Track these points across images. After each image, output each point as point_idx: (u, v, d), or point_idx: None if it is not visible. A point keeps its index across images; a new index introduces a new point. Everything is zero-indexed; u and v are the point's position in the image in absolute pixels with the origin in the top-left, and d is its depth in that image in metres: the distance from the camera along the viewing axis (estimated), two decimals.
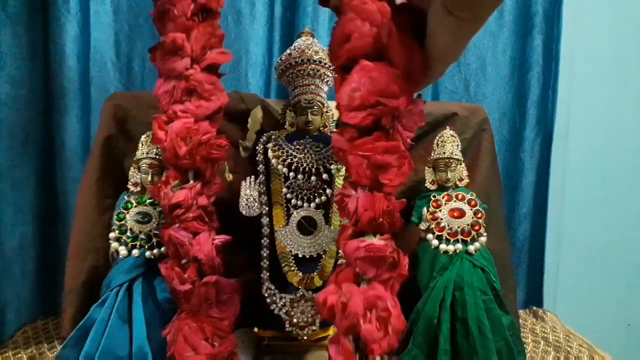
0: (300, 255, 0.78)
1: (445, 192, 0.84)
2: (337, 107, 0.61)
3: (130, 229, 0.76)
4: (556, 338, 0.99)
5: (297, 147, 0.79)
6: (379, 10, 0.57)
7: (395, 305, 0.61)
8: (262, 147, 0.79)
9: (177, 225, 0.67)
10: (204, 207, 0.68)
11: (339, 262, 0.79)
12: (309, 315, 0.77)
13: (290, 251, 0.77)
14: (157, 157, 0.80)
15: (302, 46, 0.81)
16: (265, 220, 0.78)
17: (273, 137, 0.81)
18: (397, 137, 0.61)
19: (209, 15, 0.68)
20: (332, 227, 0.78)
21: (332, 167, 0.78)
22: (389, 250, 0.61)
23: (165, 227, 0.68)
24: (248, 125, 0.83)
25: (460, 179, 0.86)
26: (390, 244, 0.62)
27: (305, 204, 0.78)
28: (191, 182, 0.68)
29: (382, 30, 0.57)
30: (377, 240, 0.62)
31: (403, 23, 0.58)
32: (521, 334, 0.85)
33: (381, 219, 0.61)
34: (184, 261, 0.67)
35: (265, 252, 0.78)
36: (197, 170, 0.69)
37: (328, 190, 0.78)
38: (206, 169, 0.68)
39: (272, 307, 0.77)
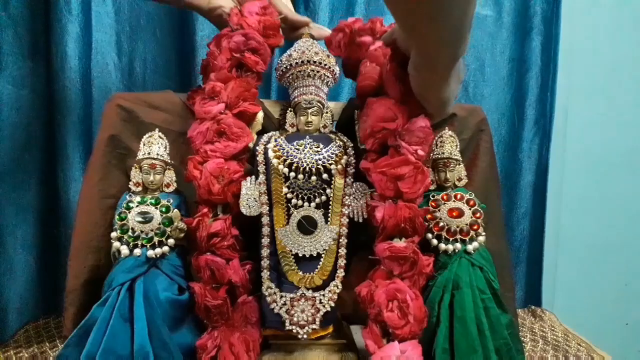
0: (300, 255, 0.78)
1: (444, 192, 0.85)
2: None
3: (132, 229, 0.77)
4: (555, 337, 1.00)
5: (298, 147, 0.79)
6: (382, 54, 0.76)
7: (416, 297, 0.74)
8: (262, 147, 0.80)
9: (209, 252, 0.77)
10: (236, 237, 0.78)
11: (339, 261, 0.80)
12: (309, 314, 0.77)
13: (291, 250, 0.78)
14: (159, 157, 0.81)
15: (302, 47, 0.82)
16: (265, 219, 0.79)
17: (274, 137, 0.81)
18: (404, 152, 0.75)
19: (247, 73, 0.82)
20: (331, 227, 0.79)
21: (332, 167, 0.79)
22: (409, 251, 0.74)
23: (199, 254, 0.77)
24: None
25: (459, 179, 0.87)
26: (411, 246, 0.75)
27: (305, 204, 0.78)
28: (220, 214, 0.78)
29: (382, 68, 0.75)
30: (400, 243, 0.75)
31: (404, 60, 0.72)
32: (520, 333, 0.85)
33: (403, 225, 0.75)
34: (214, 285, 0.76)
35: (265, 252, 0.79)
36: (225, 204, 0.78)
37: (328, 190, 0.79)
38: (235, 204, 0.78)
39: (272, 306, 0.77)
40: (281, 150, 0.79)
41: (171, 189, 0.82)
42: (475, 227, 0.81)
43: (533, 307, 1.21)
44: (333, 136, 0.83)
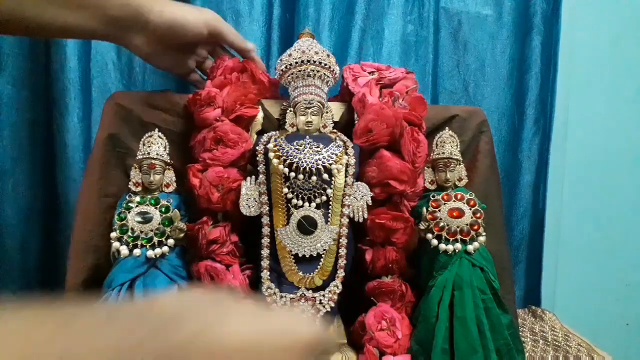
0: (300, 255, 0.78)
1: (445, 192, 0.84)
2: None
3: (132, 229, 0.76)
4: (555, 337, 0.99)
5: (298, 147, 0.79)
6: (393, 115, 0.80)
7: (402, 318, 0.81)
8: (262, 147, 0.80)
9: (209, 259, 0.78)
10: (235, 243, 0.79)
11: (339, 261, 0.80)
12: (309, 314, 0.77)
13: (291, 251, 0.78)
14: (159, 157, 0.80)
15: (302, 47, 0.81)
16: (265, 219, 0.79)
17: (273, 137, 0.81)
18: (402, 208, 0.83)
19: (245, 78, 0.84)
20: (331, 227, 0.79)
21: (332, 166, 0.79)
22: (396, 285, 0.82)
23: (198, 260, 0.78)
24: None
25: (460, 179, 0.86)
26: (398, 280, 0.83)
27: (305, 204, 0.78)
28: (221, 221, 0.80)
29: (395, 130, 0.81)
30: (388, 279, 0.83)
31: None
32: (520, 334, 0.85)
33: (391, 265, 0.82)
34: None
35: (265, 252, 0.79)
36: (226, 212, 0.80)
37: (328, 190, 0.79)
38: (235, 211, 0.79)
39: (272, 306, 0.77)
40: (281, 150, 0.79)
41: (171, 189, 0.82)
42: (475, 227, 0.81)
43: (533, 307, 1.20)
44: (333, 136, 0.83)
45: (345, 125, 0.87)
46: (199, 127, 0.82)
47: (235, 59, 0.86)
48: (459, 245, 0.81)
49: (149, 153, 0.80)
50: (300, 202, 0.78)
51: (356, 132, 0.83)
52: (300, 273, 0.78)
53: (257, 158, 0.79)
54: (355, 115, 0.85)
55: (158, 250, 0.77)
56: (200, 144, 0.80)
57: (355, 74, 0.89)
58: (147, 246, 0.77)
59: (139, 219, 0.77)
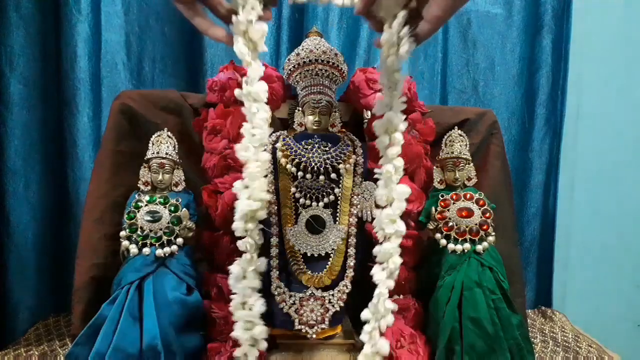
0: (309, 254, 0.78)
1: (454, 192, 0.84)
2: None
3: (141, 228, 0.77)
4: (565, 338, 0.99)
5: (306, 146, 0.79)
6: (417, 153, 0.85)
7: (419, 336, 0.80)
8: (270, 146, 0.80)
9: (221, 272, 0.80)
10: None
11: (348, 260, 0.80)
12: (318, 313, 0.77)
13: (299, 250, 0.78)
14: (168, 156, 0.81)
15: (310, 46, 0.81)
16: (274, 219, 0.79)
17: (282, 136, 0.81)
18: (410, 226, 0.82)
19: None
20: (340, 226, 0.79)
21: (340, 166, 0.78)
22: (411, 303, 0.84)
23: (211, 272, 0.83)
24: None
25: (469, 179, 0.86)
26: (412, 300, 0.84)
27: (313, 203, 0.78)
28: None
29: (413, 164, 0.85)
30: (401, 298, 0.84)
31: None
32: (530, 334, 0.85)
33: (403, 282, 0.83)
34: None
35: (274, 251, 0.79)
36: None
37: (336, 190, 0.79)
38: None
39: (281, 306, 0.77)
40: (289, 150, 0.79)
41: (180, 188, 0.83)
42: (484, 227, 0.81)
43: (543, 308, 1.20)
44: (341, 135, 0.82)
45: (353, 125, 0.87)
46: (208, 151, 0.84)
47: (233, 80, 0.86)
48: (468, 245, 0.80)
49: (158, 152, 0.81)
50: (308, 202, 0.78)
51: (372, 150, 0.82)
52: (309, 272, 0.78)
53: None
54: (365, 125, 0.85)
55: (167, 249, 0.77)
56: (211, 170, 0.83)
57: (363, 93, 0.87)
58: (157, 245, 0.77)
59: (148, 218, 0.77)
